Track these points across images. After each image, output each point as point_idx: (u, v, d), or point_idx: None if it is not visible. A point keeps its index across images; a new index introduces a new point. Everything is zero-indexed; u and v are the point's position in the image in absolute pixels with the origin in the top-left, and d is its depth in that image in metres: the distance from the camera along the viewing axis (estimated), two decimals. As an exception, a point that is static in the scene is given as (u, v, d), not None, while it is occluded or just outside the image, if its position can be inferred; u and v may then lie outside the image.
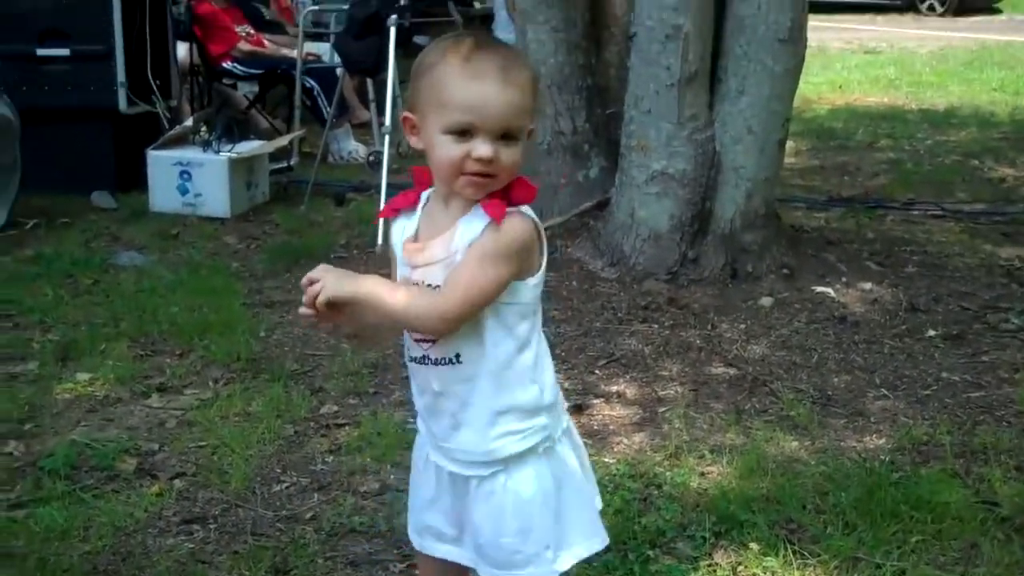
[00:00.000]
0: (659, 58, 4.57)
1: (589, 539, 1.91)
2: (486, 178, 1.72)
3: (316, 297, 1.79)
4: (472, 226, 1.74)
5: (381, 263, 4.96)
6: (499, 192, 1.74)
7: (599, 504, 2.00)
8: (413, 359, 1.88)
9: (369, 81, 7.47)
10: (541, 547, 1.85)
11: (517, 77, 1.72)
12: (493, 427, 1.82)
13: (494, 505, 1.84)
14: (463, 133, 1.69)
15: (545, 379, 1.87)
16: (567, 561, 1.87)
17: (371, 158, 7.02)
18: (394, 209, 1.89)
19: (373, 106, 7.38)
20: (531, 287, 1.79)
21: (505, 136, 1.71)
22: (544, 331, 1.80)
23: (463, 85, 1.69)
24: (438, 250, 1.79)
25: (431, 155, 1.75)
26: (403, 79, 7.66)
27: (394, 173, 5.98)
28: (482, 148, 1.69)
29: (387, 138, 5.69)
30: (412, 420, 3.39)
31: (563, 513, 1.87)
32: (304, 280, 1.81)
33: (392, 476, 3.07)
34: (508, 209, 1.73)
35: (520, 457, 1.83)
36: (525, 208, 1.77)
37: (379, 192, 5.45)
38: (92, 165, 6.21)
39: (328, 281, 1.79)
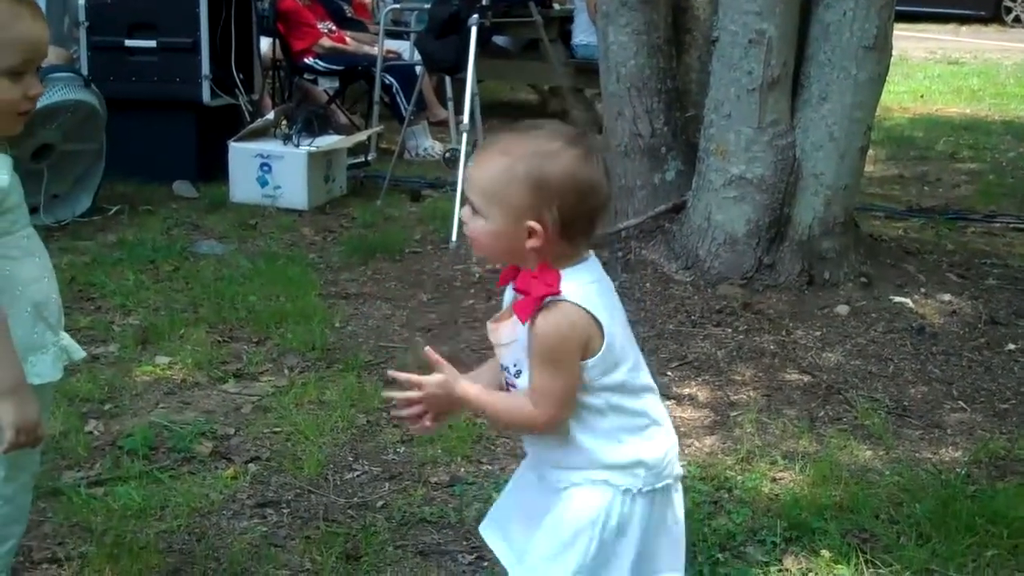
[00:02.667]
0: (741, 63, 4.54)
1: None
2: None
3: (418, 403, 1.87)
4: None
5: (454, 259, 5.01)
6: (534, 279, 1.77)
7: None
8: None
9: (448, 79, 7.53)
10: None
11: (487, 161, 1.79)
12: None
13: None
14: None
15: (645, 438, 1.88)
16: None
17: (447, 155, 7.07)
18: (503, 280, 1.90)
19: (451, 104, 7.45)
20: (587, 367, 1.79)
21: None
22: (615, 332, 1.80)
23: None
24: (505, 332, 1.84)
25: None
26: (481, 78, 7.73)
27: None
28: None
29: (464, 136, 5.72)
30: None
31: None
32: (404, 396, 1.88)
33: (463, 469, 3.09)
34: (548, 299, 1.74)
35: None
36: (570, 293, 1.75)
37: (454, 189, 5.48)
38: (175, 155, 6.32)
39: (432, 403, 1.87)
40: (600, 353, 1.79)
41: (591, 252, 1.85)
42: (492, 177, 1.76)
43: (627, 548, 1.86)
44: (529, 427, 1.87)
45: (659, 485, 1.88)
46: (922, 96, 10.73)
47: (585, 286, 1.78)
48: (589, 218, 1.78)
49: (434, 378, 1.85)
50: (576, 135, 1.80)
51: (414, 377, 1.87)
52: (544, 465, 1.92)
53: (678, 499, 1.95)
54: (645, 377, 1.91)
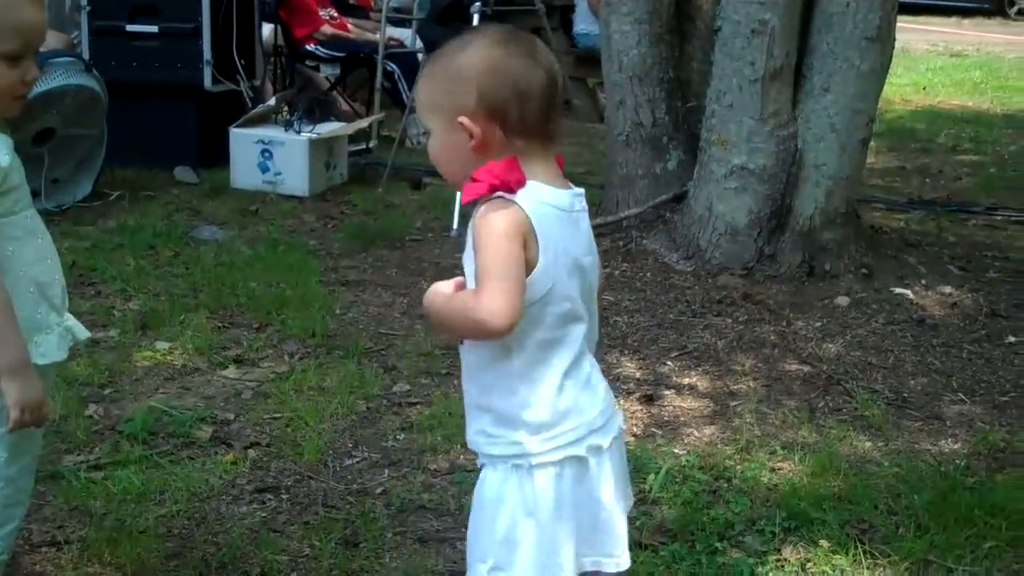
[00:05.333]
0: (743, 53, 4.53)
1: None
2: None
3: None
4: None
5: (455, 247, 5.00)
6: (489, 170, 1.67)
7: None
8: None
9: (449, 67, 7.51)
10: (479, 559, 1.79)
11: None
12: (474, 421, 1.81)
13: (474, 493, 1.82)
14: None
15: (537, 397, 1.73)
16: None
17: (448, 144, 7.07)
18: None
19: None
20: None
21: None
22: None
23: None
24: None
25: None
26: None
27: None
28: None
29: (466, 124, 5.70)
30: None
31: (516, 541, 1.75)
32: None
33: (462, 456, 3.09)
34: (497, 194, 1.65)
35: (494, 458, 1.77)
36: (521, 200, 1.66)
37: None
38: (176, 140, 6.31)
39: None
40: (536, 270, 1.67)
41: (564, 186, 1.74)
42: (422, 89, 1.77)
43: (539, 518, 1.75)
44: (473, 324, 1.65)
45: (568, 453, 1.75)
46: (924, 88, 10.72)
47: (539, 205, 1.67)
48: (520, 108, 1.67)
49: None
50: (502, 31, 1.74)
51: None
52: (469, 430, 1.83)
53: (602, 476, 1.80)
54: (582, 347, 1.78)
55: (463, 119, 1.67)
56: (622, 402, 3.42)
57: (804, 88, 4.62)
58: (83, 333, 2.14)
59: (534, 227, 1.66)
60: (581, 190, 1.78)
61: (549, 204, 1.69)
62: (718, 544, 2.66)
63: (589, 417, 1.78)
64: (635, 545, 2.59)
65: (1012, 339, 4.06)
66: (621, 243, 4.88)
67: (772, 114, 4.55)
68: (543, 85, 1.70)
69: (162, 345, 3.80)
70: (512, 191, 1.65)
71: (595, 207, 5.44)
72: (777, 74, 4.53)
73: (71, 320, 2.10)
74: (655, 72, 5.15)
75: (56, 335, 2.04)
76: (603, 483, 1.81)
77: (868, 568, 2.59)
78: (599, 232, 5.03)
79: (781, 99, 4.58)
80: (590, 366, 1.81)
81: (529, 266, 1.66)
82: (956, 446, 3.26)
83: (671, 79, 5.20)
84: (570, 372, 1.76)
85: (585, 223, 1.77)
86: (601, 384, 1.83)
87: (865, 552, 2.64)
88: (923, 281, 4.57)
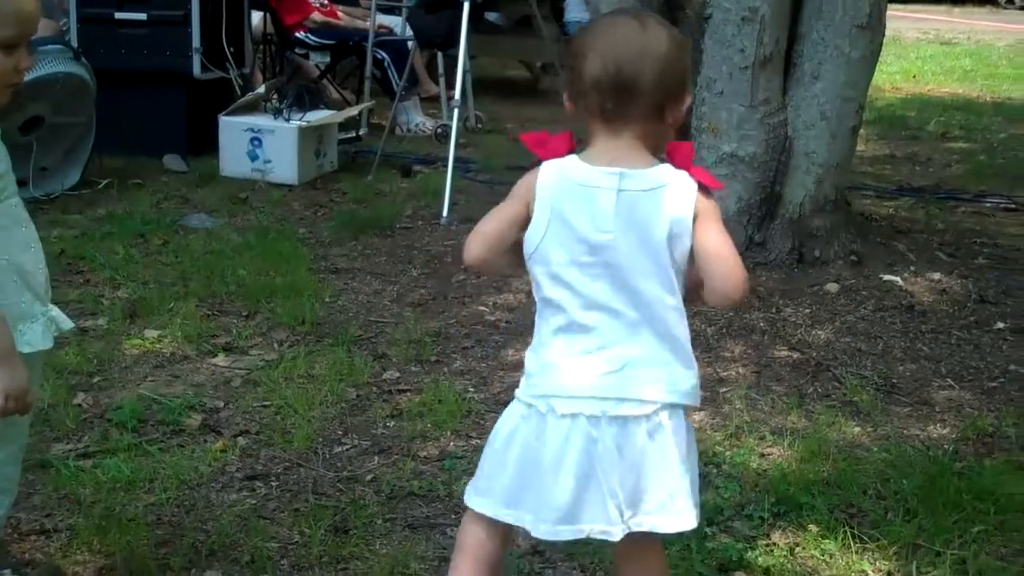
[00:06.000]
0: (734, 40, 4.53)
1: (513, 508, 1.96)
2: None
3: None
4: None
5: (445, 235, 5.00)
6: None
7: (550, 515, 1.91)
8: None
9: (439, 55, 7.51)
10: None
11: None
12: None
13: None
14: None
15: (532, 346, 1.95)
16: (473, 502, 2.04)
17: (438, 131, 7.07)
18: None
19: (442, 80, 7.43)
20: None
21: None
22: None
23: None
24: None
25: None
26: (473, 54, 7.70)
27: (461, 147, 6.01)
28: None
29: (455, 112, 5.70)
30: (473, 389, 3.44)
31: (482, 456, 2.02)
32: None
33: (452, 443, 3.09)
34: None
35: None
36: (544, 167, 1.88)
37: (445, 165, 5.46)
38: (165, 128, 6.29)
39: None
40: (528, 228, 1.88)
41: (613, 164, 1.84)
42: None
43: (508, 463, 1.94)
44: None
45: (531, 401, 1.91)
46: (914, 76, 10.73)
47: (558, 176, 1.86)
48: (580, 82, 1.85)
49: None
50: (621, 14, 1.95)
51: None
52: None
53: (550, 437, 1.88)
54: (573, 321, 1.88)
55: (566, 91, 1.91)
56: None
57: (794, 76, 4.61)
58: (67, 323, 2.13)
59: (536, 193, 1.86)
60: (622, 171, 1.83)
61: (571, 178, 1.85)
62: (707, 529, 2.66)
63: (568, 382, 1.88)
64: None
65: (1000, 325, 4.07)
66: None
67: (762, 101, 4.55)
68: (596, 72, 1.83)
69: (151, 333, 3.79)
70: (543, 160, 1.87)
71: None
72: (767, 61, 4.52)
73: (55, 310, 2.09)
74: (645, 60, 5.14)
75: (41, 324, 2.03)
76: (556, 450, 1.88)
77: (857, 552, 2.60)
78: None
79: (771, 86, 4.58)
80: (600, 346, 1.87)
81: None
82: (945, 431, 3.27)
83: (661, 67, 5.18)
84: (564, 336, 1.89)
85: (606, 200, 1.83)
86: (607, 367, 1.87)
87: (854, 536, 2.64)
88: (912, 268, 4.57)
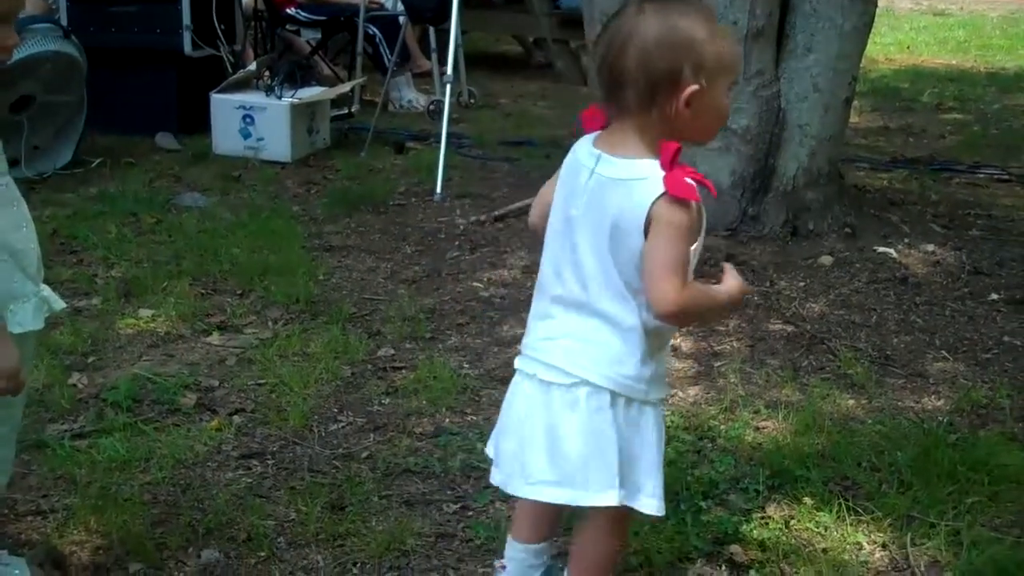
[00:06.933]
0: (726, 12, 4.50)
1: None
2: None
3: None
4: None
5: (439, 212, 4.99)
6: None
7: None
8: None
9: (431, 30, 7.47)
10: None
11: None
12: None
13: None
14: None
15: None
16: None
17: (431, 107, 7.04)
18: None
19: (435, 55, 7.39)
20: None
21: None
22: None
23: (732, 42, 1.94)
24: None
25: (710, 115, 1.88)
26: (465, 29, 7.67)
27: (454, 122, 5.99)
28: None
29: (448, 87, 5.68)
30: (467, 365, 3.44)
31: None
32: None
33: (447, 419, 3.10)
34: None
35: None
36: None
37: (438, 141, 5.45)
38: (157, 107, 6.27)
39: None
40: None
41: (607, 147, 1.88)
42: None
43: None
44: None
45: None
46: (908, 47, 10.71)
47: (573, 149, 1.96)
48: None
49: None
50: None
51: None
52: None
53: (514, 396, 2.04)
54: (543, 283, 2.00)
55: None
56: (607, 364, 3.43)
57: (787, 48, 4.59)
58: (58, 304, 2.11)
59: (560, 170, 1.98)
60: (600, 154, 1.88)
61: (575, 152, 1.94)
62: (703, 503, 2.67)
63: (528, 341, 2.03)
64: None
65: (994, 296, 4.07)
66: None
67: (755, 74, 4.53)
68: (595, 62, 1.92)
69: (145, 312, 3.78)
70: (585, 132, 1.95)
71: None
72: (760, 34, 4.50)
73: (47, 290, 2.08)
74: (637, 33, 5.12)
75: (32, 304, 2.02)
76: (508, 397, 2.08)
77: (851, 524, 2.60)
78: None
79: (764, 59, 4.56)
80: (548, 309, 1.98)
81: None
82: (939, 403, 3.27)
83: (652, 40, 5.16)
84: (536, 298, 2.03)
85: (584, 179, 1.89)
86: (544, 327, 1.99)
87: (848, 508, 2.65)
88: (906, 240, 4.57)
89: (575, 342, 1.93)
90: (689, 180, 1.80)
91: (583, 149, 1.91)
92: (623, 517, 2.07)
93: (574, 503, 1.99)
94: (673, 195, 1.78)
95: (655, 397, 1.97)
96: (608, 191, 1.85)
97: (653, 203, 1.79)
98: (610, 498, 1.93)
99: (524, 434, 1.99)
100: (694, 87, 1.80)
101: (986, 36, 11.57)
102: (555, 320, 1.96)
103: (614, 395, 1.92)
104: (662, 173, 1.80)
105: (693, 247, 1.86)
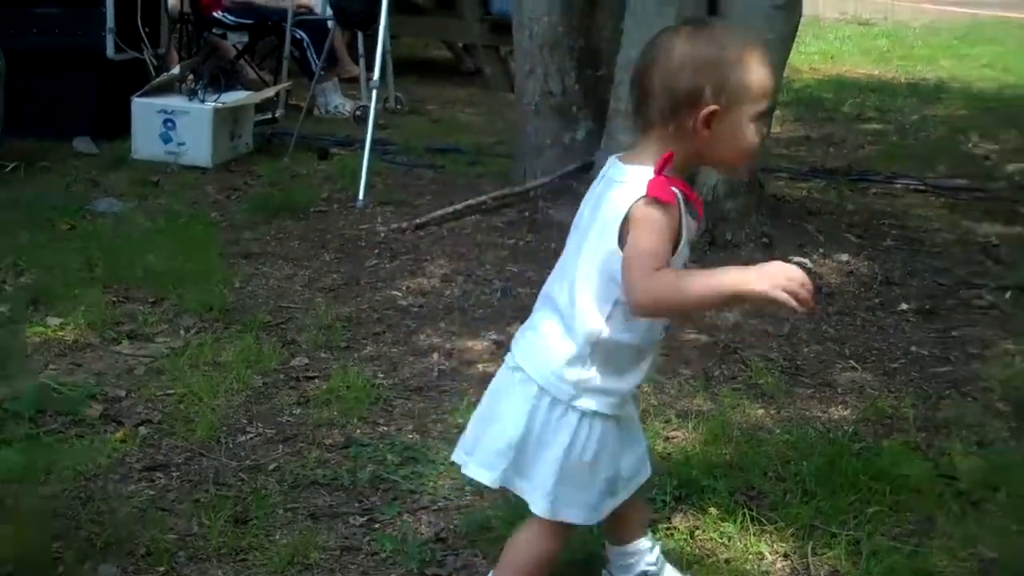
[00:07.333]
0: (654, 21, 4.52)
1: None
2: None
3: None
4: None
5: (360, 219, 4.97)
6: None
7: None
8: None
9: (360, 35, 7.44)
10: None
11: None
12: None
13: None
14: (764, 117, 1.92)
15: None
16: None
17: (357, 113, 7.01)
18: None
19: (363, 61, 7.36)
20: None
21: None
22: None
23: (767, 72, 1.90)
24: None
25: (732, 141, 1.89)
26: (394, 34, 7.65)
27: (380, 128, 5.97)
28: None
29: (374, 93, 5.65)
30: (382, 375, 3.43)
31: None
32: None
33: (358, 431, 3.08)
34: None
35: None
36: None
37: (363, 147, 5.42)
38: (76, 110, 6.18)
39: None
40: None
41: (623, 158, 1.96)
42: None
43: None
44: None
45: None
46: (832, 57, 10.86)
47: None
48: None
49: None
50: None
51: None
52: None
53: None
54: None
55: None
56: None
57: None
58: None
59: None
60: (614, 158, 1.97)
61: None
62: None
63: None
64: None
65: (904, 306, 4.14)
66: (528, 214, 4.89)
67: (677, 83, 4.56)
68: (630, 78, 1.98)
69: (53, 320, 3.72)
70: None
71: (503, 177, 5.44)
72: (682, 43, 4.53)
73: None
74: (566, 40, 5.15)
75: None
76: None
77: (755, 534, 2.63)
78: (505, 203, 5.06)
79: (686, 68, 4.59)
80: (537, 304, 2.06)
81: None
82: (846, 412, 3.32)
83: (582, 47, 5.19)
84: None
85: (600, 188, 1.95)
86: (525, 324, 2.08)
87: (752, 518, 2.67)
88: (821, 250, 4.64)
89: (533, 334, 2.02)
90: (673, 189, 1.84)
91: (610, 159, 1.98)
92: (559, 524, 2.08)
93: (465, 473, 2.12)
94: (650, 196, 1.83)
95: (584, 406, 1.98)
96: (607, 193, 1.92)
97: (633, 204, 1.84)
98: (483, 477, 2.06)
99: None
100: (713, 107, 1.85)
101: (908, 46, 11.78)
102: (534, 314, 2.06)
103: (541, 390, 1.98)
104: (648, 179, 1.84)
105: (672, 257, 1.89)
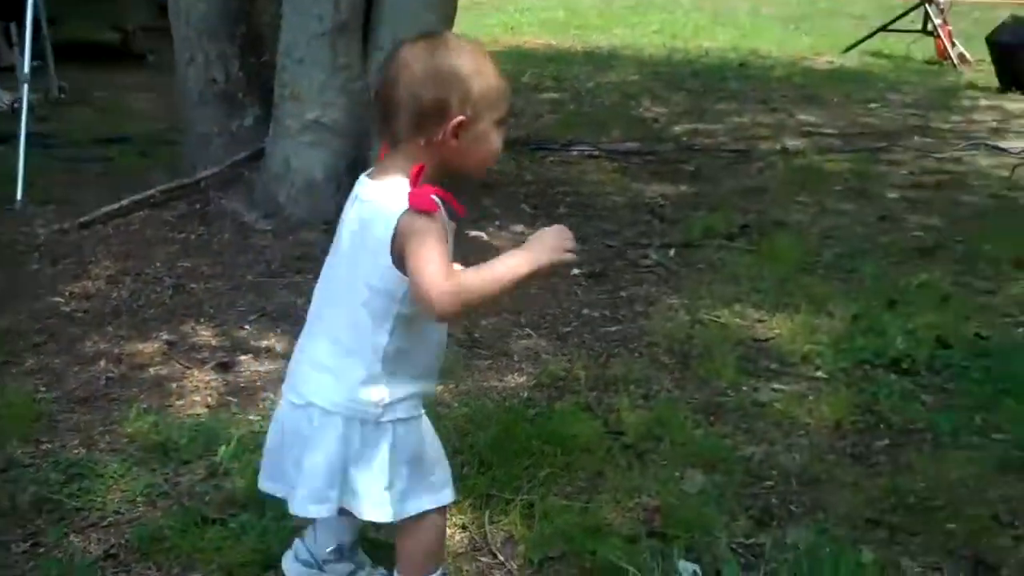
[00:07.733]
0: (311, 8, 4.50)
1: None
2: None
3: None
4: None
5: (19, 221, 4.63)
6: None
7: None
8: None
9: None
10: None
11: None
12: None
13: None
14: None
15: None
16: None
17: (16, 105, 6.56)
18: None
19: (16, 49, 6.91)
20: None
21: None
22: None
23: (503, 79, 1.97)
24: None
25: (478, 148, 1.94)
26: (51, 18, 7.20)
27: (41, 121, 5.64)
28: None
29: (25, 86, 5.32)
30: (44, 388, 3.25)
31: None
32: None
33: (19, 451, 2.90)
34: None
35: None
36: None
37: (18, 141, 5.08)
38: None
39: None
40: None
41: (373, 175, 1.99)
42: None
43: None
44: None
45: None
46: (512, 28, 11.14)
47: None
48: None
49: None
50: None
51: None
52: None
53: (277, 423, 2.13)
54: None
55: None
56: (196, 373, 3.35)
57: (373, 40, 4.65)
58: None
59: None
60: (363, 177, 2.00)
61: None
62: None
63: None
64: (203, 521, 2.56)
65: (576, 271, 4.30)
66: (199, 206, 4.75)
67: (342, 67, 4.56)
68: (374, 94, 2.04)
69: None
70: None
71: (172, 169, 5.25)
72: (344, 27, 4.54)
73: None
74: (225, 27, 5.02)
75: None
76: (276, 417, 2.14)
77: (434, 511, 2.67)
78: (175, 196, 4.89)
79: (351, 53, 4.60)
80: (302, 336, 2.09)
81: None
82: (522, 380, 3.42)
83: (243, 34, 5.08)
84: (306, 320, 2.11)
85: (356, 208, 1.96)
86: (295, 356, 2.10)
87: (431, 495, 2.71)
88: (497, 222, 4.76)
89: (307, 367, 2.03)
90: (433, 196, 1.86)
91: (360, 178, 1.98)
92: (430, 522, 2.14)
93: (291, 510, 2.10)
94: (414, 207, 1.85)
95: (392, 417, 2.00)
96: (362, 213, 1.93)
97: (399, 219, 1.85)
98: (314, 511, 2.07)
99: (283, 448, 2.09)
100: (461, 118, 1.89)
101: (583, 16, 12.25)
102: (301, 342, 2.07)
103: (346, 419, 1.99)
104: (407, 190, 1.86)
105: None
